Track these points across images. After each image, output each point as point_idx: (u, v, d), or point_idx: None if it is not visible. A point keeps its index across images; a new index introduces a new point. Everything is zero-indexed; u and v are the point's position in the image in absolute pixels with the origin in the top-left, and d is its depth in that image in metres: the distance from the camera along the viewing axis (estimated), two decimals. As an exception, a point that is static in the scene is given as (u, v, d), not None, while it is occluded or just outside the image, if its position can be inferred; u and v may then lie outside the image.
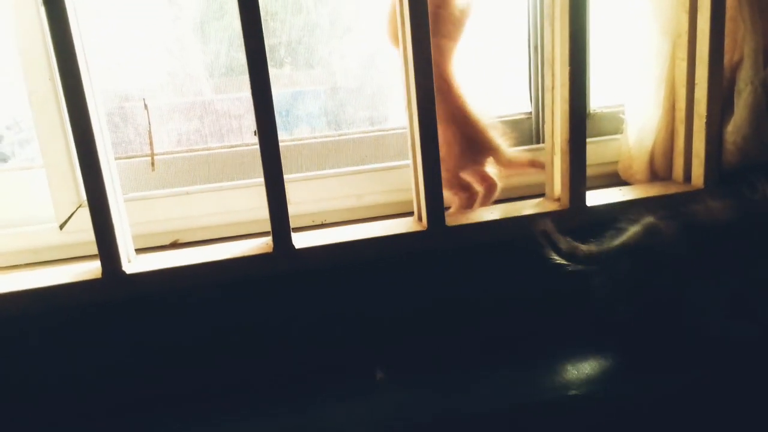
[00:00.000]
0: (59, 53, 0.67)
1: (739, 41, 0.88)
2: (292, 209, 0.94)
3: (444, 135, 0.85)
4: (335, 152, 1.02)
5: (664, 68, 0.92)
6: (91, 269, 0.76)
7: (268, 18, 0.99)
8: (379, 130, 1.05)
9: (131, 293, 0.75)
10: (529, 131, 1.07)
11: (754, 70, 0.86)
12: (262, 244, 0.80)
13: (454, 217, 0.86)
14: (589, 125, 1.05)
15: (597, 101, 1.09)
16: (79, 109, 0.69)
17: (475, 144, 0.89)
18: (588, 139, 1.02)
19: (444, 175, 0.84)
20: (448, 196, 0.90)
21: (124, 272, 0.74)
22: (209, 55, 0.98)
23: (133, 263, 0.78)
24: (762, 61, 0.85)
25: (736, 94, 0.89)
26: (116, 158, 0.92)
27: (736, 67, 0.89)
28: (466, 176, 0.90)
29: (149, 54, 0.97)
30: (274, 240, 0.78)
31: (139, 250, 0.87)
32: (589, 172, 0.98)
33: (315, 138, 1.02)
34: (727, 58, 0.89)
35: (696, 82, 0.89)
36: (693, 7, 0.87)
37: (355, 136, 1.04)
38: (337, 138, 1.03)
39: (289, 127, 1.05)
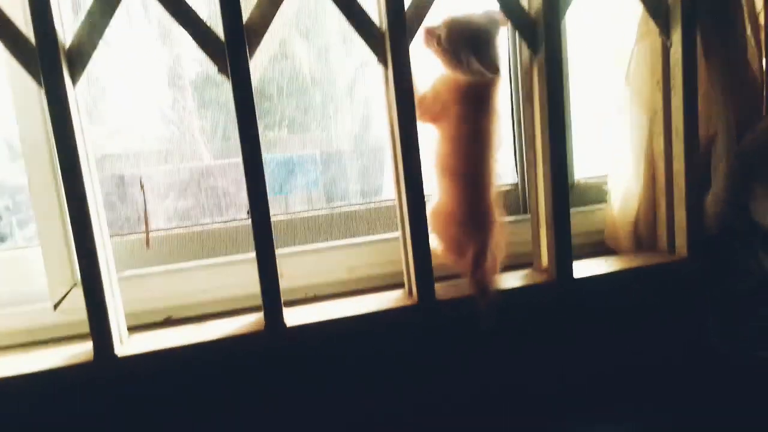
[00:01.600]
0: (60, 144, 0.70)
1: (714, 116, 0.92)
2: (284, 283, 0.96)
3: (453, 197, 0.86)
4: (328, 225, 1.04)
5: (643, 142, 0.96)
6: (84, 351, 0.77)
7: (263, 99, 1.03)
8: (372, 202, 1.07)
9: (123, 375, 0.75)
10: (516, 201, 1.10)
11: (728, 144, 0.89)
12: (254, 322, 0.81)
13: (445, 290, 0.87)
14: (575, 195, 1.09)
15: (582, 171, 1.12)
16: (76, 196, 0.72)
17: (484, 209, 0.87)
18: (574, 209, 1.06)
19: (448, 240, 0.86)
20: (450, 261, 0.91)
21: (115, 355, 0.75)
22: (207, 121, 1.02)
23: (125, 345, 0.78)
24: (735, 135, 0.89)
25: (712, 167, 0.92)
26: (112, 235, 0.94)
27: (713, 139, 0.93)
28: (468, 241, 0.90)
29: (148, 121, 1.02)
30: (266, 318, 0.79)
31: (132, 328, 0.88)
32: (576, 240, 1.00)
33: (308, 211, 1.04)
34: (703, 132, 0.93)
35: (674, 155, 0.92)
36: (666, 85, 0.92)
37: (348, 208, 1.06)
38: (331, 211, 1.05)
39: (283, 198, 1.08)
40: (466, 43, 0.81)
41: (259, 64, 1.02)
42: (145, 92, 1.02)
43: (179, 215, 1.02)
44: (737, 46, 0.93)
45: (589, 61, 1.09)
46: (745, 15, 0.95)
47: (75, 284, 0.89)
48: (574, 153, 1.08)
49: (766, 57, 0.97)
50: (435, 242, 0.88)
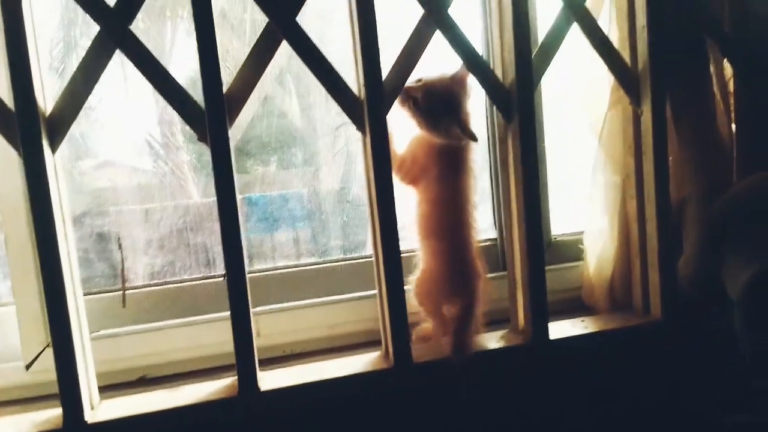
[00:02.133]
0: (35, 210, 0.71)
1: (685, 180, 0.94)
2: (262, 341, 0.96)
3: (436, 255, 0.87)
4: (307, 281, 1.04)
5: (617, 203, 0.98)
6: (53, 417, 0.76)
7: (244, 156, 1.05)
8: (353, 259, 1.08)
9: (92, 443, 0.74)
10: (495, 257, 1.11)
11: (698, 208, 0.91)
12: (227, 386, 0.80)
13: (422, 351, 0.87)
14: (553, 252, 1.10)
15: (561, 228, 1.13)
16: (50, 260, 0.72)
17: (467, 267, 0.89)
18: (552, 266, 1.08)
19: (432, 302, 0.87)
20: (430, 326, 0.92)
21: (85, 422, 0.73)
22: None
23: (96, 410, 0.77)
24: (707, 200, 0.91)
25: (684, 230, 0.94)
26: (88, 294, 0.94)
27: (684, 203, 0.95)
28: (454, 302, 0.90)
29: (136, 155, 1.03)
30: (240, 382, 0.78)
31: (105, 387, 0.86)
32: (552, 298, 1.01)
33: (288, 268, 1.04)
34: (675, 196, 0.95)
35: (646, 218, 0.94)
36: (638, 150, 0.94)
37: (329, 264, 1.06)
38: (310, 267, 1.05)
39: (263, 257, 1.08)
40: (445, 109, 0.83)
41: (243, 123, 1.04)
42: (135, 127, 1.03)
43: (159, 272, 1.01)
44: (707, 113, 0.96)
45: (567, 120, 1.12)
46: (714, 82, 0.99)
47: (48, 344, 0.88)
48: (550, 212, 1.10)
49: (735, 123, 1.00)
50: (422, 316, 0.90)
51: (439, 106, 0.83)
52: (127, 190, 1.02)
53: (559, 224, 1.13)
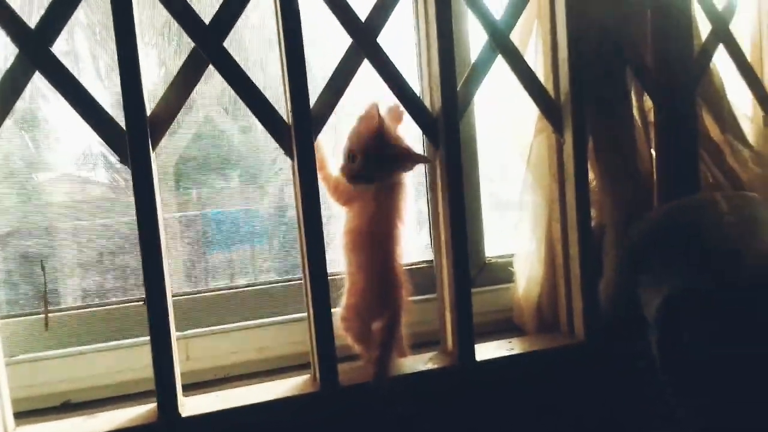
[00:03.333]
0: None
1: (604, 207, 0.98)
2: (191, 365, 0.95)
3: (362, 268, 0.88)
4: (241, 303, 1.03)
5: (544, 227, 1.01)
6: (-39, 446, 0.73)
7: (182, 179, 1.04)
8: (287, 281, 1.08)
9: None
10: (431, 278, 1.12)
11: (616, 234, 0.95)
12: (147, 412, 0.79)
13: (351, 375, 0.87)
14: (486, 274, 1.12)
15: (494, 249, 1.16)
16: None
17: (391, 283, 0.90)
18: (484, 288, 1.10)
19: (359, 324, 0.88)
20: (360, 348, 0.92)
21: (-6, 451, 0.71)
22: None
23: (9, 438, 0.75)
24: (623, 228, 0.95)
25: (603, 254, 0.97)
26: (9, 316, 0.92)
27: (604, 228, 0.99)
28: (377, 325, 0.91)
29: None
30: (160, 409, 0.77)
31: (26, 413, 0.84)
32: (486, 319, 1.04)
33: (220, 290, 1.04)
34: (596, 222, 0.99)
35: (569, 242, 0.97)
36: (561, 177, 0.98)
37: (262, 286, 1.06)
38: (242, 289, 1.05)
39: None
40: (387, 162, 0.86)
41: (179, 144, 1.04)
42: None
43: (87, 294, 1.00)
44: (627, 142, 1.01)
45: (500, 142, 1.16)
46: (635, 112, 1.04)
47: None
48: (484, 233, 1.13)
49: (656, 151, 1.05)
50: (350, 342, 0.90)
51: (384, 162, 0.86)
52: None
53: (496, 245, 1.16)
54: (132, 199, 0.75)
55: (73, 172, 1.04)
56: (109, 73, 1.02)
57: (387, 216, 0.89)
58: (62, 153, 1.03)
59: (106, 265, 1.01)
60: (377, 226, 0.88)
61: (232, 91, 0.80)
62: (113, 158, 1.01)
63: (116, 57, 0.73)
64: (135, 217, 0.75)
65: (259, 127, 0.81)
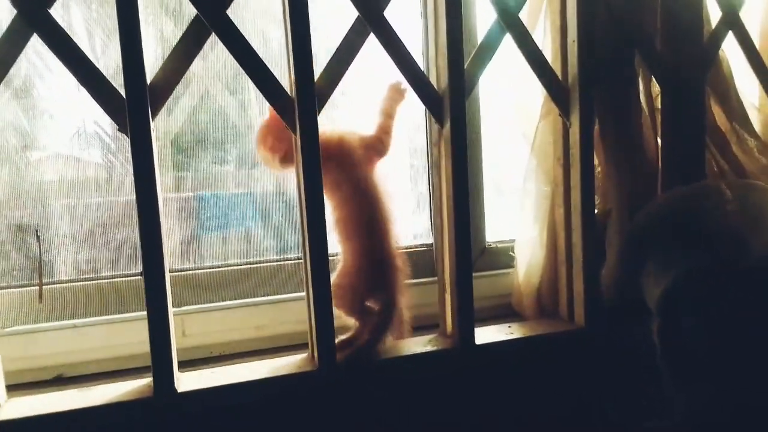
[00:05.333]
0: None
1: (609, 193, 0.97)
2: (188, 341, 0.94)
3: (355, 253, 0.87)
4: (237, 281, 1.02)
5: (547, 211, 1.00)
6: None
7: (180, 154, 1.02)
8: (285, 259, 1.07)
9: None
10: (431, 262, 1.11)
11: (621, 220, 0.94)
12: (143, 387, 0.78)
13: (346, 354, 0.86)
14: (485, 259, 1.12)
15: (497, 236, 1.15)
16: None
17: (385, 267, 0.89)
18: (484, 273, 1.09)
19: (351, 299, 0.86)
20: (354, 322, 0.91)
21: (-13, 421, 0.70)
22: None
23: (3, 408, 0.74)
24: (627, 214, 0.94)
25: (607, 240, 0.97)
26: (2, 288, 0.90)
27: (608, 214, 0.98)
28: (372, 303, 0.90)
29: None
30: (155, 383, 0.76)
31: (20, 386, 0.83)
32: (485, 304, 1.03)
33: (218, 267, 1.02)
34: (600, 207, 0.98)
35: (572, 227, 0.96)
36: (566, 161, 0.96)
37: (260, 265, 1.05)
38: (241, 267, 1.03)
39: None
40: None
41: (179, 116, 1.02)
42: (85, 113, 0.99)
43: (83, 267, 0.98)
44: (633, 128, 1.00)
45: (504, 129, 1.14)
46: (642, 98, 1.02)
47: (-47, 340, 0.84)
48: (485, 218, 1.12)
49: (661, 138, 1.04)
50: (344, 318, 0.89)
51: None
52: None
53: (497, 232, 1.15)
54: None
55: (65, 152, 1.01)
56: (105, 50, 1.00)
57: (375, 195, 0.88)
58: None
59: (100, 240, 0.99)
60: (366, 208, 0.87)
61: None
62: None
63: (115, 27, 0.71)
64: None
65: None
